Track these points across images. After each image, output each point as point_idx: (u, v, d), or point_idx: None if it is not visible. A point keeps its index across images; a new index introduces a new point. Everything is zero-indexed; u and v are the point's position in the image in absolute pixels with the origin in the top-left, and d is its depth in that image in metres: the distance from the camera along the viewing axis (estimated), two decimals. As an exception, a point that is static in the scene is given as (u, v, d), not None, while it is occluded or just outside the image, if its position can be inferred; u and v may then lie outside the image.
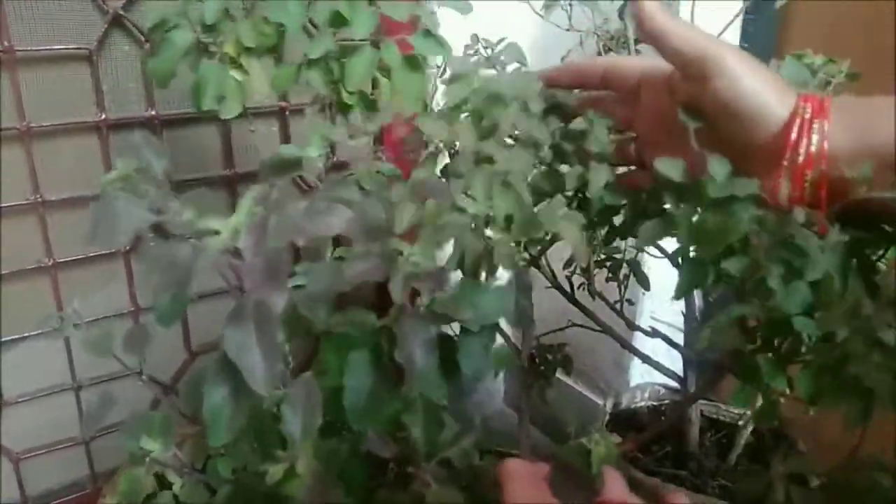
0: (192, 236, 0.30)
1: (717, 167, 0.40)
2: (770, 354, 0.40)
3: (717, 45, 0.43)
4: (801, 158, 0.41)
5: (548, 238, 0.52)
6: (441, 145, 0.53)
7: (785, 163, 0.41)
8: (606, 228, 0.55)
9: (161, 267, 0.28)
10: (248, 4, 0.66)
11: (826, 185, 0.41)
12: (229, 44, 0.65)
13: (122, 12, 0.93)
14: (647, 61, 0.51)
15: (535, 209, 0.44)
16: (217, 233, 0.29)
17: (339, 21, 0.66)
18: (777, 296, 0.37)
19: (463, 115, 0.51)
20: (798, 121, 0.41)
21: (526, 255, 0.44)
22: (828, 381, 0.37)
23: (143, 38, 0.96)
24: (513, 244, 0.43)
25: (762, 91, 0.42)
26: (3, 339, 0.98)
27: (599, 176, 0.48)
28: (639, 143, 0.53)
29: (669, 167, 0.42)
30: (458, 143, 0.48)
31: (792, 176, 0.42)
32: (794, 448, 0.89)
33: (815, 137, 0.41)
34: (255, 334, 0.31)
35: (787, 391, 0.40)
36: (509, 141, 0.49)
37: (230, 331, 0.31)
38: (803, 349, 0.41)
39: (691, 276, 0.40)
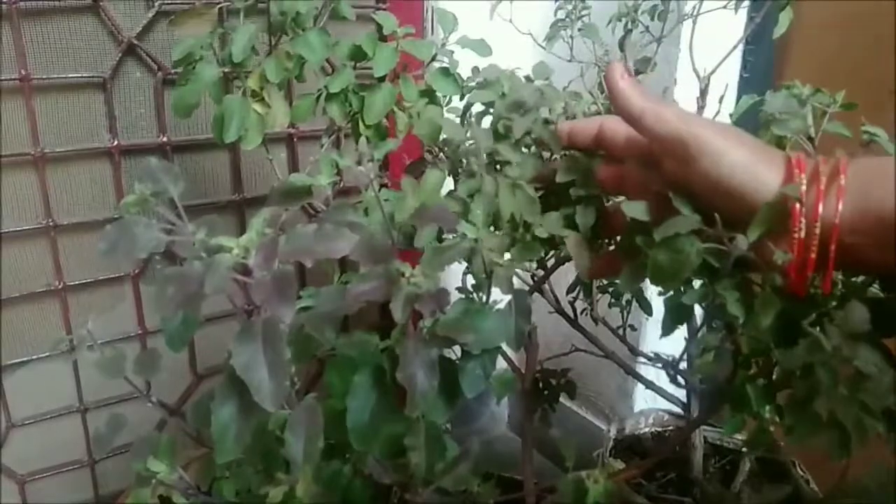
0: (203, 256, 0.31)
1: (633, 209, 0.41)
2: (760, 382, 0.41)
3: (693, 125, 0.41)
4: (802, 231, 0.38)
5: (549, 256, 0.52)
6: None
7: (796, 235, 0.38)
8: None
9: (173, 283, 0.29)
10: (273, 40, 0.68)
11: (834, 249, 0.38)
12: (253, 78, 0.67)
13: (135, 41, 0.96)
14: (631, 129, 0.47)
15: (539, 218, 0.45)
16: (229, 250, 0.30)
17: (359, 55, 0.69)
18: (740, 321, 0.37)
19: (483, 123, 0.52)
20: (797, 191, 0.38)
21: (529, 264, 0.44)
22: (801, 415, 0.37)
23: (155, 67, 0.98)
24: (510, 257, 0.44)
25: (748, 163, 0.40)
26: (12, 362, 0.99)
27: (587, 216, 0.47)
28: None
29: (635, 209, 0.42)
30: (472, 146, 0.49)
31: (794, 245, 0.38)
32: (787, 476, 0.89)
33: (821, 208, 0.37)
34: (263, 351, 0.32)
35: (777, 419, 0.40)
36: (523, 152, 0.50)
37: (238, 347, 0.32)
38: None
39: (672, 316, 0.40)
